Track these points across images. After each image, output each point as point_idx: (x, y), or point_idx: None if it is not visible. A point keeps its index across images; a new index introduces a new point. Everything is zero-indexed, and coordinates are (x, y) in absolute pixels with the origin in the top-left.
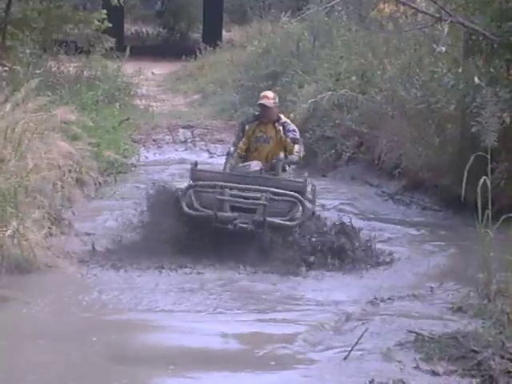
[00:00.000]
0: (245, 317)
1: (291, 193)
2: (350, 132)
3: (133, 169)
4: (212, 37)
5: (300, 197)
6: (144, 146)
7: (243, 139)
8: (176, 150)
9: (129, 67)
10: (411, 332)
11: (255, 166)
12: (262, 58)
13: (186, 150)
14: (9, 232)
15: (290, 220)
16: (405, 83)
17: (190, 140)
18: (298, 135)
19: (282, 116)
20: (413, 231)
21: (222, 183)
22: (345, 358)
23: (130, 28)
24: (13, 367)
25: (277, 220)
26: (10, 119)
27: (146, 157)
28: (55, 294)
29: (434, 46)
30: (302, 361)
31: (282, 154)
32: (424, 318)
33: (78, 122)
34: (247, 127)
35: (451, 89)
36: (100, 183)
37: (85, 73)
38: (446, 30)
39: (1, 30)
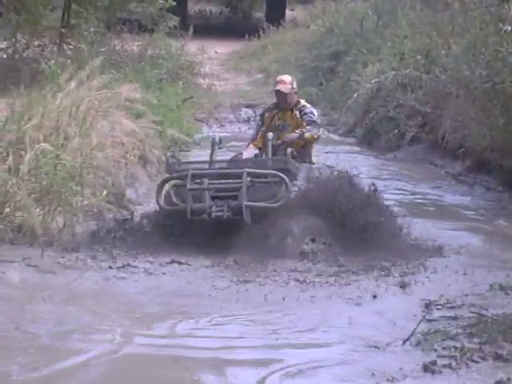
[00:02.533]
0: None
1: (271, 171)
2: (413, 112)
3: (196, 147)
4: (275, 16)
5: (281, 174)
6: (207, 124)
7: (262, 128)
8: (239, 129)
9: (192, 46)
10: (473, 313)
11: (248, 154)
12: (326, 38)
13: (248, 128)
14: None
15: (275, 202)
16: (470, 63)
17: (252, 119)
18: (314, 117)
19: (301, 101)
20: (475, 213)
21: (193, 172)
22: (405, 342)
23: (193, 7)
24: None
25: (256, 203)
26: (74, 97)
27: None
28: None
29: (501, 25)
30: (364, 342)
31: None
32: (486, 300)
33: (142, 100)
34: (266, 115)
35: None
36: (163, 161)
37: (148, 51)
38: None
39: (65, 8)
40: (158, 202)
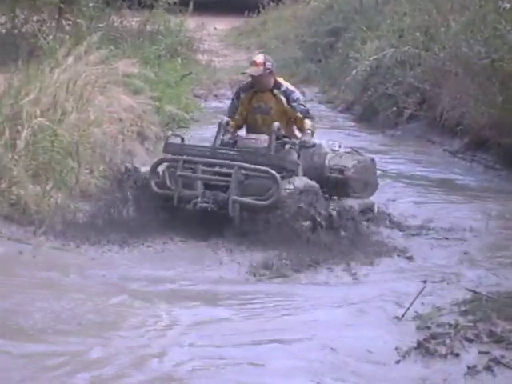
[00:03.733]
0: None
1: (263, 167)
2: (412, 89)
3: (194, 123)
4: None
5: (272, 172)
6: (205, 100)
7: (239, 109)
8: None
9: (191, 22)
10: (469, 290)
11: (264, 141)
12: (325, 14)
13: None
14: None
15: (265, 199)
16: (468, 40)
17: None
18: (305, 103)
19: (281, 81)
20: (473, 191)
21: (188, 158)
22: (401, 317)
23: None
24: None
25: (244, 199)
26: (72, 72)
27: (207, 111)
28: None
29: (499, 2)
30: (358, 319)
31: (282, 128)
32: (482, 278)
33: (140, 76)
34: (242, 96)
35: None
36: (161, 137)
37: (147, 27)
38: None
39: None
40: (149, 183)
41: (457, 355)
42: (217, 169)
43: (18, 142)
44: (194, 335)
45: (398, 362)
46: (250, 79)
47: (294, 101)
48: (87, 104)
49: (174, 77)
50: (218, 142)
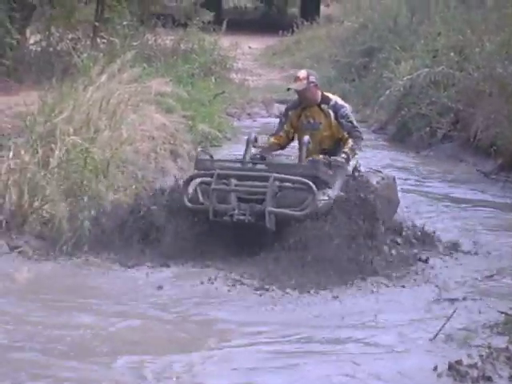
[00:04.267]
0: None
1: (298, 178)
2: (445, 109)
3: (227, 142)
4: (310, 11)
5: (308, 182)
6: (239, 119)
7: (285, 126)
8: (271, 124)
9: (225, 41)
10: (501, 313)
11: (296, 158)
12: (359, 34)
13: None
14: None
15: (300, 210)
16: (503, 60)
17: None
18: (354, 122)
19: (329, 95)
20: (505, 212)
21: (220, 172)
22: (432, 339)
23: (227, 1)
24: None
25: (280, 210)
26: (105, 90)
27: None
28: None
29: None
30: (389, 340)
31: (331, 143)
32: None
33: (173, 95)
34: (290, 113)
35: None
36: (193, 156)
37: (181, 46)
38: None
39: (99, 2)
40: (182, 198)
41: (489, 378)
42: (249, 183)
43: (51, 159)
44: None
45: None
46: (296, 96)
47: (343, 117)
48: (120, 122)
49: (207, 95)
50: (248, 157)
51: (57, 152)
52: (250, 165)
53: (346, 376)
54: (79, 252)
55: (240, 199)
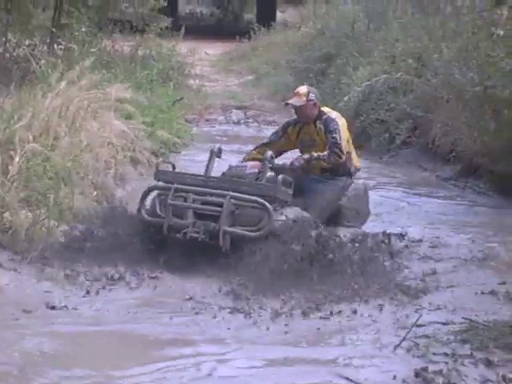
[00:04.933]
0: None
1: (255, 198)
2: (404, 115)
3: (186, 148)
4: (266, 17)
5: (265, 203)
6: (197, 125)
7: (281, 141)
8: (229, 130)
9: (183, 47)
10: (466, 319)
11: (252, 167)
12: (316, 40)
13: (239, 130)
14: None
15: (257, 230)
16: (461, 67)
17: (242, 121)
18: (338, 139)
19: (325, 110)
20: (465, 218)
21: (178, 186)
22: (396, 347)
23: (184, 8)
24: None
25: (235, 230)
26: (64, 97)
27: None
28: None
29: (493, 29)
30: (354, 349)
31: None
32: (478, 307)
33: (132, 101)
34: (289, 129)
35: (508, 73)
36: (153, 162)
37: (139, 52)
38: (506, 13)
39: (57, 7)
40: (139, 210)
41: None
42: (208, 198)
43: (10, 167)
44: None
45: None
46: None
47: (330, 132)
48: (80, 129)
49: (166, 102)
50: (211, 170)
51: (16, 159)
52: (212, 180)
53: None
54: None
55: (198, 215)
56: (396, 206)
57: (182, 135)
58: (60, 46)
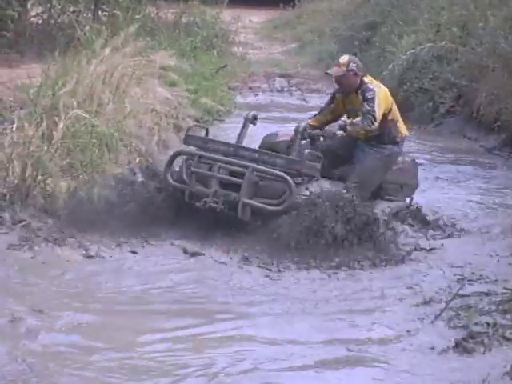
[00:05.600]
0: None
1: (277, 172)
2: (448, 85)
3: (229, 116)
4: None
5: (286, 176)
6: (240, 93)
7: (331, 108)
8: (271, 99)
9: (227, 14)
10: (507, 289)
11: (283, 135)
12: (361, 8)
13: (282, 98)
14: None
15: (277, 204)
16: (507, 35)
17: (286, 89)
18: (373, 107)
19: (366, 80)
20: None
21: (203, 154)
22: (437, 317)
23: None
24: None
25: (255, 202)
26: (108, 64)
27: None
28: None
29: None
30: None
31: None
32: None
33: (176, 68)
34: (337, 96)
35: None
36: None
37: (183, 19)
38: None
39: None
40: (165, 175)
41: (495, 354)
42: (234, 167)
43: (54, 133)
44: None
45: (434, 360)
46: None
47: (366, 100)
48: (123, 95)
49: (209, 69)
50: (243, 137)
51: (60, 125)
52: (241, 149)
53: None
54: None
55: (223, 184)
56: (437, 175)
57: (225, 103)
58: (104, 13)
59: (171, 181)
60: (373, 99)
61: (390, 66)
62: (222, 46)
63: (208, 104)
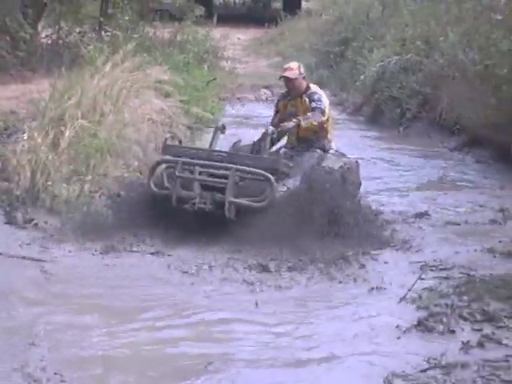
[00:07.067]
0: None
1: (258, 171)
2: (414, 93)
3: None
4: (292, 6)
5: (267, 174)
6: (229, 103)
7: (277, 116)
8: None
9: (217, 33)
10: (463, 274)
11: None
12: (336, 26)
13: (266, 108)
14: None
15: (260, 201)
16: (464, 48)
17: (270, 98)
18: (320, 104)
19: (311, 86)
20: (467, 182)
21: (185, 160)
22: (401, 299)
23: None
24: None
25: (240, 200)
26: (109, 78)
27: (231, 113)
28: None
29: (492, 14)
30: (361, 301)
31: (315, 132)
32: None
33: (170, 81)
34: (280, 104)
35: (507, 53)
36: (188, 136)
37: (177, 37)
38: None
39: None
40: (148, 183)
41: (453, 332)
42: (213, 171)
43: (61, 141)
44: None
45: (398, 337)
46: (286, 88)
47: (314, 100)
48: (123, 106)
49: (200, 82)
50: (215, 145)
51: (67, 134)
52: (215, 154)
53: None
54: None
55: (204, 187)
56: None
57: (215, 112)
58: (106, 33)
59: (155, 188)
60: (320, 99)
61: (362, 77)
62: (213, 60)
63: (199, 113)
